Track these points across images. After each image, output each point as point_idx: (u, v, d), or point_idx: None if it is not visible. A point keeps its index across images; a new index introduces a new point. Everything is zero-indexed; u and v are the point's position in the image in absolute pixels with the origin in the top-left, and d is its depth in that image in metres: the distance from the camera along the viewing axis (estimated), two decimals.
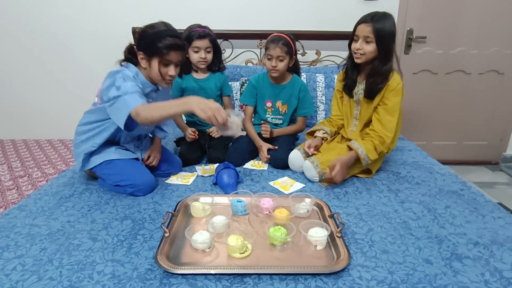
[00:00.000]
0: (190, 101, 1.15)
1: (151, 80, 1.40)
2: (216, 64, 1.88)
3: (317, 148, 1.64)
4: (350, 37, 1.50)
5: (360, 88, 1.57)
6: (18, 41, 2.48)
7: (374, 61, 1.46)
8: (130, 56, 1.38)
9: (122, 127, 1.25)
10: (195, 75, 1.88)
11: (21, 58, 2.52)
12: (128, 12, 2.41)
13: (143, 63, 1.34)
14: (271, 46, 1.68)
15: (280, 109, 1.88)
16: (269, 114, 1.90)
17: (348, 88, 1.62)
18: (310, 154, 1.60)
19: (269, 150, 1.74)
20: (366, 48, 1.43)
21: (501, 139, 2.85)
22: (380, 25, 1.38)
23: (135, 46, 1.36)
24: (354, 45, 1.46)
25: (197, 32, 1.74)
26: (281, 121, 1.91)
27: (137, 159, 1.51)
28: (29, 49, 2.48)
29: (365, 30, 1.40)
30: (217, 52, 1.85)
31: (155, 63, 1.31)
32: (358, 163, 1.52)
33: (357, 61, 1.49)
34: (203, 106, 1.13)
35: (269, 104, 1.87)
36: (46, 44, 2.47)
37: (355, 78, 1.58)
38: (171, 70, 1.34)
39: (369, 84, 1.50)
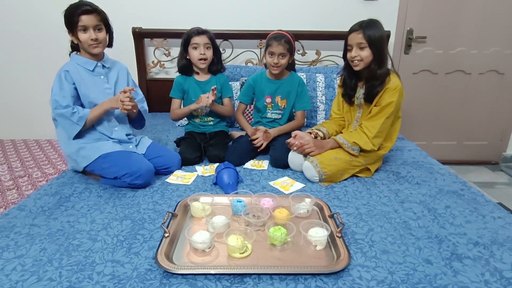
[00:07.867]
0: (104, 102, 1.47)
1: (91, 56, 1.50)
2: (216, 65, 1.90)
3: (302, 144, 1.56)
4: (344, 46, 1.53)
5: (360, 93, 1.59)
6: (19, 41, 2.47)
7: (370, 65, 1.49)
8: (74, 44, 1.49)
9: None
10: (196, 77, 1.90)
11: (22, 58, 2.51)
12: (128, 12, 2.41)
13: (74, 39, 1.44)
14: (274, 43, 1.71)
15: (279, 104, 1.89)
16: (269, 109, 1.91)
17: (348, 96, 1.64)
18: (295, 147, 1.58)
19: (267, 146, 1.78)
20: (362, 54, 1.46)
21: (501, 139, 2.85)
22: (370, 30, 1.43)
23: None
24: (350, 54, 1.50)
25: (195, 30, 1.79)
26: (280, 116, 1.92)
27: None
28: (30, 48, 2.48)
29: (357, 37, 1.45)
30: (216, 52, 1.88)
31: (79, 34, 1.41)
32: (355, 161, 1.53)
33: (356, 68, 1.52)
34: (113, 101, 1.45)
35: (268, 100, 1.89)
36: (47, 44, 2.46)
37: (354, 86, 1.61)
38: (91, 34, 1.42)
39: (367, 88, 1.53)
